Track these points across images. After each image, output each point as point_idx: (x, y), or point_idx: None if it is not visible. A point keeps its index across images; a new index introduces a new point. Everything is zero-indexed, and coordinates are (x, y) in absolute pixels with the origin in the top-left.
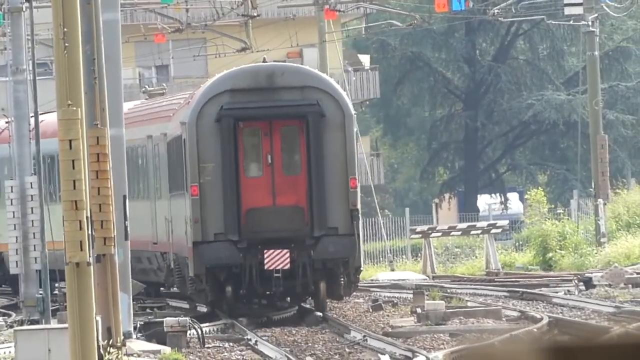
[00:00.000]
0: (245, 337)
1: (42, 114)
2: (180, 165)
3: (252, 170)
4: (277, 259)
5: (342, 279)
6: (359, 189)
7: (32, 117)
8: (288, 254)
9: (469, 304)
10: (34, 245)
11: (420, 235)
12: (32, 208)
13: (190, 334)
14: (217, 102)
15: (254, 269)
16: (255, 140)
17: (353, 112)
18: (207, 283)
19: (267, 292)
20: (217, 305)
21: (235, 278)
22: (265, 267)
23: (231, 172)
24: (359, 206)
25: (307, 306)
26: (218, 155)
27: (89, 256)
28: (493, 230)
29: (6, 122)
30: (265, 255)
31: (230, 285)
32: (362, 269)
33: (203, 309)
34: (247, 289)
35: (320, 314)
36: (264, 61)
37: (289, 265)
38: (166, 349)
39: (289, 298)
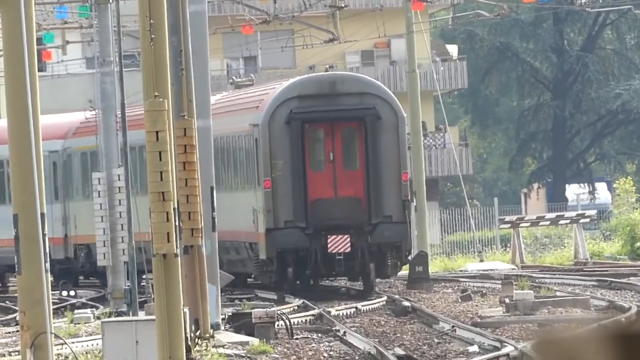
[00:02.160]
0: (333, 328)
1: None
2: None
3: (316, 165)
4: (339, 243)
5: (389, 261)
6: (409, 182)
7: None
8: (349, 239)
9: (557, 293)
10: (122, 237)
11: (509, 225)
12: (119, 200)
13: (278, 325)
14: (286, 107)
15: (318, 252)
16: (320, 140)
17: (404, 115)
18: (275, 265)
19: (331, 273)
20: (279, 285)
21: (300, 261)
22: (329, 250)
23: (299, 167)
24: (410, 197)
25: (396, 296)
26: (287, 153)
27: (177, 248)
28: (581, 220)
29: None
30: (329, 240)
31: (292, 267)
32: (411, 251)
33: (291, 300)
34: (313, 270)
35: (409, 304)
36: (327, 70)
37: (349, 248)
38: (254, 341)
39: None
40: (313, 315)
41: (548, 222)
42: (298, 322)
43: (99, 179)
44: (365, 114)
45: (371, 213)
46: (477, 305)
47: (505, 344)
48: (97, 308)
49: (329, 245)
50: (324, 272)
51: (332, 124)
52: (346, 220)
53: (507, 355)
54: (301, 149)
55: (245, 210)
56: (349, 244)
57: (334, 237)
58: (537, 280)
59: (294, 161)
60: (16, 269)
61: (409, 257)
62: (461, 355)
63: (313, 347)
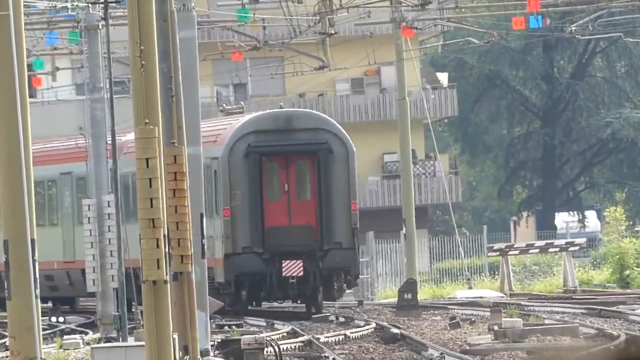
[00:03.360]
0: (322, 355)
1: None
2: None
3: (272, 196)
4: (293, 268)
5: (335, 285)
6: (358, 212)
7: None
8: (302, 264)
9: (546, 321)
10: (111, 264)
11: (498, 253)
12: (109, 226)
13: (267, 352)
14: (245, 141)
15: (273, 276)
16: (275, 172)
17: (354, 149)
18: (232, 287)
19: (285, 296)
20: (233, 305)
21: (256, 284)
22: (283, 274)
23: (256, 197)
24: (358, 225)
25: (384, 324)
26: (245, 184)
27: (166, 274)
28: (571, 248)
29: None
30: (283, 265)
31: (246, 290)
32: (360, 276)
33: (281, 326)
34: (267, 292)
35: (398, 331)
36: (281, 107)
37: (302, 272)
38: None
39: (298, 300)
40: (302, 341)
41: (537, 250)
42: (287, 348)
43: (88, 206)
44: (318, 148)
45: (323, 240)
46: (465, 333)
47: None
48: (86, 334)
49: (283, 270)
50: (278, 295)
51: (287, 157)
52: (299, 246)
53: None
54: (258, 181)
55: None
56: (302, 268)
57: (288, 261)
58: (526, 308)
59: (252, 192)
60: (6, 295)
61: (357, 281)
62: None
63: None
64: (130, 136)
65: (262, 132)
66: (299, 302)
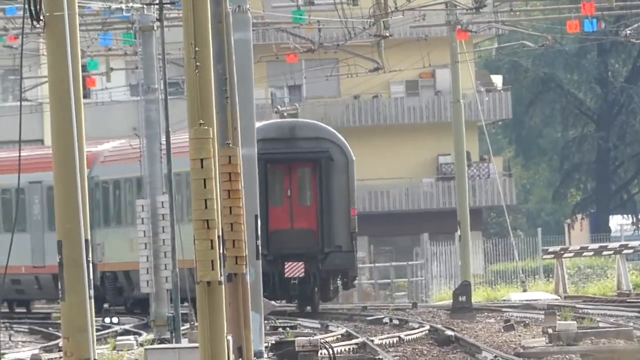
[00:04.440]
0: (377, 357)
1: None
2: None
3: (276, 201)
4: (294, 269)
5: (331, 286)
6: (356, 217)
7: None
8: (303, 265)
9: (600, 324)
10: (165, 265)
11: (553, 256)
12: (162, 227)
13: (321, 354)
14: None
15: (276, 276)
16: (279, 178)
17: (354, 158)
18: None
19: (286, 296)
20: None
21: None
22: (285, 275)
23: (261, 202)
24: (356, 229)
25: (439, 326)
26: None
27: (220, 275)
28: (625, 251)
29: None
30: (286, 266)
31: None
32: (357, 277)
33: (335, 329)
34: (270, 292)
35: (452, 333)
36: (283, 117)
37: (304, 274)
38: None
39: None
40: (356, 344)
41: (591, 253)
42: (341, 350)
43: (142, 206)
44: (320, 157)
45: (323, 243)
46: (519, 336)
47: None
48: (140, 335)
49: (285, 271)
50: (280, 295)
51: (290, 165)
52: (301, 249)
53: None
54: (264, 186)
55: None
56: (303, 269)
57: (290, 263)
58: (580, 311)
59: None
60: (60, 296)
61: (354, 282)
62: None
63: None
64: (107, 145)
65: (268, 140)
66: (295, 301)
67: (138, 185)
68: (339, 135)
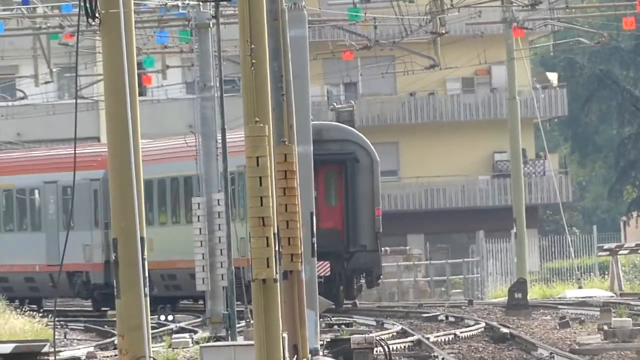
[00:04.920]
0: (432, 354)
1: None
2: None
3: None
4: (320, 268)
5: (355, 285)
6: (381, 217)
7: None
8: (329, 264)
9: None
10: (221, 262)
11: (608, 253)
12: (219, 225)
13: (377, 351)
14: None
15: None
16: None
17: (379, 159)
18: None
19: None
20: None
21: None
22: None
23: None
24: (381, 229)
25: (494, 323)
26: None
27: (276, 273)
28: None
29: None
30: None
31: None
32: (382, 276)
33: (390, 326)
34: None
35: (508, 331)
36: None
37: (329, 272)
38: None
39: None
40: (412, 341)
41: None
42: (397, 348)
43: (198, 204)
44: (345, 158)
45: (349, 243)
46: (575, 332)
47: None
48: (195, 333)
49: None
50: None
51: (317, 166)
52: (327, 248)
53: None
54: None
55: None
56: (329, 268)
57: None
58: (635, 308)
59: None
60: (115, 294)
61: (378, 281)
62: None
63: None
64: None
65: None
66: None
67: (185, 184)
68: (365, 138)
